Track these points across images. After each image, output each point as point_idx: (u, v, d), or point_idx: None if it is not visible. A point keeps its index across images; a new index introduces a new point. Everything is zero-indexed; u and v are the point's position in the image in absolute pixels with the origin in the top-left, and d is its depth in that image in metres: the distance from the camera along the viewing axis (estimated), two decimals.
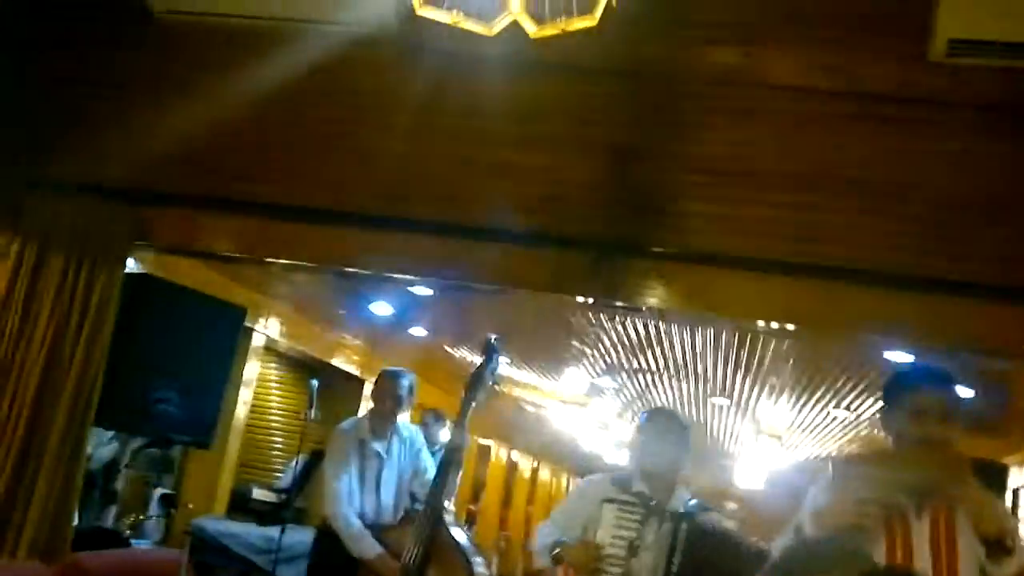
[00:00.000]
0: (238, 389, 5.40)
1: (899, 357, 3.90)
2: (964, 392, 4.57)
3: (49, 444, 3.08)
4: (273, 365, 6.83)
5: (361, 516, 3.55)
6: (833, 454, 8.12)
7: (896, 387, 2.26)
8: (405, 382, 3.73)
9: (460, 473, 3.33)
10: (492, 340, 3.08)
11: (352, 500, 3.58)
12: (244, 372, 5.49)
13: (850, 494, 2.15)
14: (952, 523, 2.03)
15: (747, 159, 2.93)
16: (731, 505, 16.01)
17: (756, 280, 2.95)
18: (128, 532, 4.25)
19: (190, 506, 5.01)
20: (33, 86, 3.36)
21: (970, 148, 2.81)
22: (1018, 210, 2.76)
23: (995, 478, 5.21)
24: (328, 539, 3.58)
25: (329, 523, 3.57)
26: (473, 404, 3.20)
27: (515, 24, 1.54)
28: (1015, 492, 5.95)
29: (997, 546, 1.94)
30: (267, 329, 5.71)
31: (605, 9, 1.60)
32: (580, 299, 3.23)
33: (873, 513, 2.08)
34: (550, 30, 1.55)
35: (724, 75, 2.99)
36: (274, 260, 3.53)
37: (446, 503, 3.10)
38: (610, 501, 2.65)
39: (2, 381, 3.08)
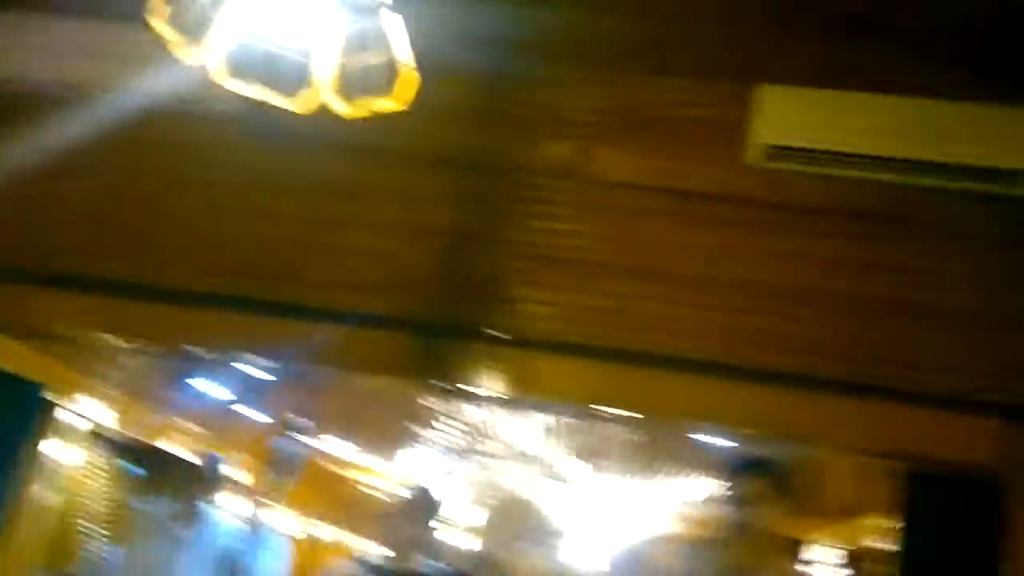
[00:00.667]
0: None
1: (722, 443, 4.07)
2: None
3: None
4: (100, 451, 6.33)
5: None
6: (670, 532, 8.30)
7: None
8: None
9: None
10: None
11: None
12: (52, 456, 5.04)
13: None
14: None
15: (580, 249, 3.05)
16: None
17: (585, 366, 3.03)
18: None
19: None
20: None
21: (788, 247, 3.02)
22: (827, 302, 2.97)
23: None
24: None
25: None
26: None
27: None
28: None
29: None
30: (91, 412, 5.30)
31: (429, 96, 1.64)
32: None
33: None
34: (360, 111, 1.56)
35: (560, 168, 3.12)
36: (99, 338, 3.33)
37: None
38: None
39: None
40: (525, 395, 3.05)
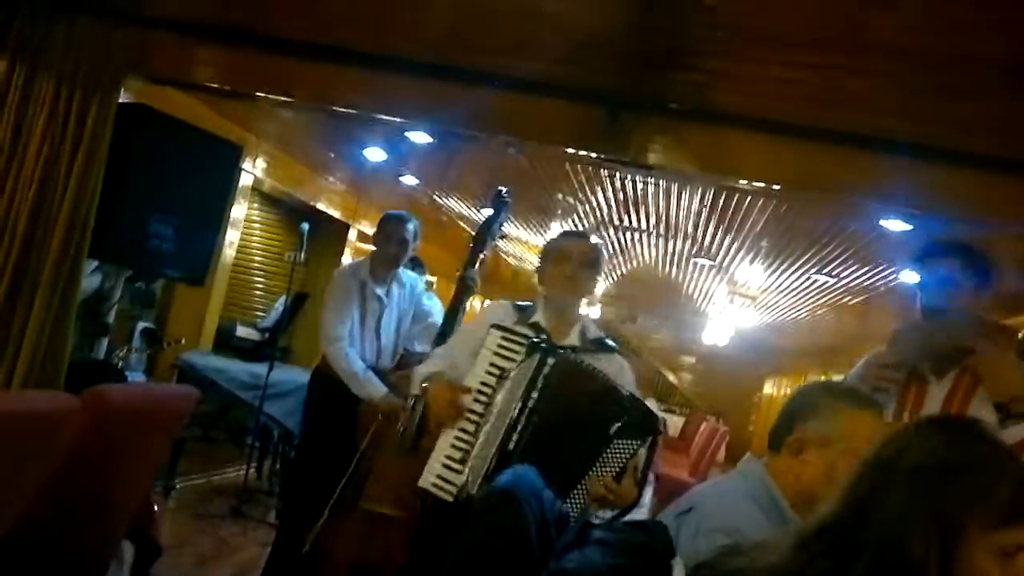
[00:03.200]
0: (225, 229, 5.33)
1: (894, 226, 3.94)
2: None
3: (43, 273, 3.03)
4: (256, 206, 6.75)
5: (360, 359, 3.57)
6: (804, 318, 8.35)
7: (924, 255, 2.36)
8: (411, 226, 3.66)
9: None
10: (502, 193, 2.94)
11: (353, 342, 3.59)
12: (231, 212, 5.40)
13: (877, 359, 2.26)
14: (970, 388, 2.12)
15: (769, 18, 2.83)
16: (689, 359, 16.60)
17: (769, 142, 2.91)
18: (120, 364, 4.29)
19: (182, 341, 5.04)
20: None
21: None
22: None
23: None
24: (325, 380, 3.57)
25: (328, 363, 3.55)
26: (481, 254, 3.14)
27: None
28: None
29: (1007, 410, 2.02)
30: (254, 169, 5.58)
31: None
32: (583, 153, 3.17)
33: (890, 376, 2.18)
34: None
35: None
36: (268, 95, 3.40)
37: None
38: (498, 328, 2.37)
39: None
40: (709, 172, 2.98)
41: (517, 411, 2.23)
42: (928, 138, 2.82)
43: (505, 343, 2.32)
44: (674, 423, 12.94)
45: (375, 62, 3.23)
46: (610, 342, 2.51)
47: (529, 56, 2.97)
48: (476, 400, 2.28)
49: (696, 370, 16.37)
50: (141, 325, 5.16)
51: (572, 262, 2.45)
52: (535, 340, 2.33)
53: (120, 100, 3.15)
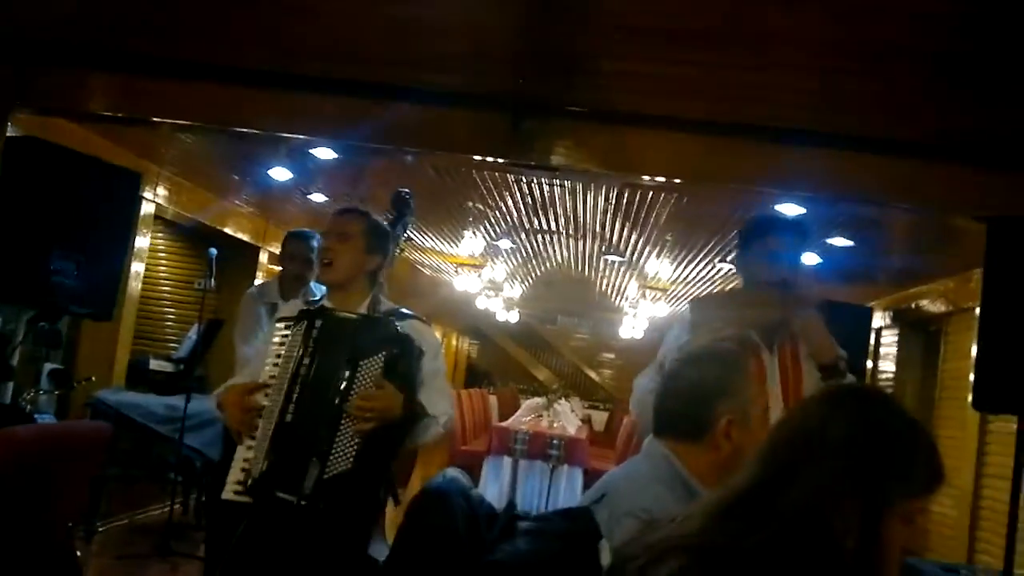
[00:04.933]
0: (130, 260, 5.18)
1: (789, 210, 4.13)
2: (843, 242, 4.91)
3: None
4: (161, 234, 6.58)
5: None
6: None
7: (752, 232, 2.39)
8: (314, 243, 3.64)
9: None
10: (403, 194, 2.77)
11: None
12: (135, 242, 5.26)
13: (708, 332, 2.33)
14: (797, 355, 2.25)
15: (663, 17, 2.93)
16: (609, 355, 16.88)
17: (668, 139, 3.03)
18: (29, 407, 4.13)
19: (92, 379, 4.87)
20: None
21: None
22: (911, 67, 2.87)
23: (861, 320, 5.72)
24: None
25: None
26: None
27: None
28: (877, 331, 6.53)
29: (831, 370, 2.20)
30: (156, 196, 5.45)
31: None
32: (490, 159, 3.23)
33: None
34: None
35: None
36: (166, 120, 3.36)
37: None
38: (280, 319, 2.32)
39: None
40: (612, 170, 3.08)
41: (289, 381, 2.16)
42: (822, 124, 2.96)
43: (282, 326, 2.28)
44: (599, 418, 13.14)
45: (277, 81, 3.22)
46: (405, 311, 2.38)
47: (431, 68, 3.02)
48: (266, 394, 2.18)
49: (616, 365, 16.62)
50: (48, 366, 4.96)
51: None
52: (304, 307, 2.29)
53: (8, 134, 3.07)
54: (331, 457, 2.08)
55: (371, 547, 2.18)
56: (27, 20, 2.88)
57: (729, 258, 6.13)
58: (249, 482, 2.12)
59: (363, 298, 2.33)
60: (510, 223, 5.99)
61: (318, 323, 2.20)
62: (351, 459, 2.08)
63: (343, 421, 2.09)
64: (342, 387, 2.12)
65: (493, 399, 11.40)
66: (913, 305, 5.98)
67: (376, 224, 2.40)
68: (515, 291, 10.78)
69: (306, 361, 2.17)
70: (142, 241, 5.50)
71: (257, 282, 6.93)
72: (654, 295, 8.72)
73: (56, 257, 3.34)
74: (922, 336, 6.23)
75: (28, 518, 2.04)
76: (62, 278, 3.38)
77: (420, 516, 1.56)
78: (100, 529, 4.67)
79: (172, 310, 6.90)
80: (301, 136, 3.41)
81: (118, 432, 4.96)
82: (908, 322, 6.24)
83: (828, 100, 2.92)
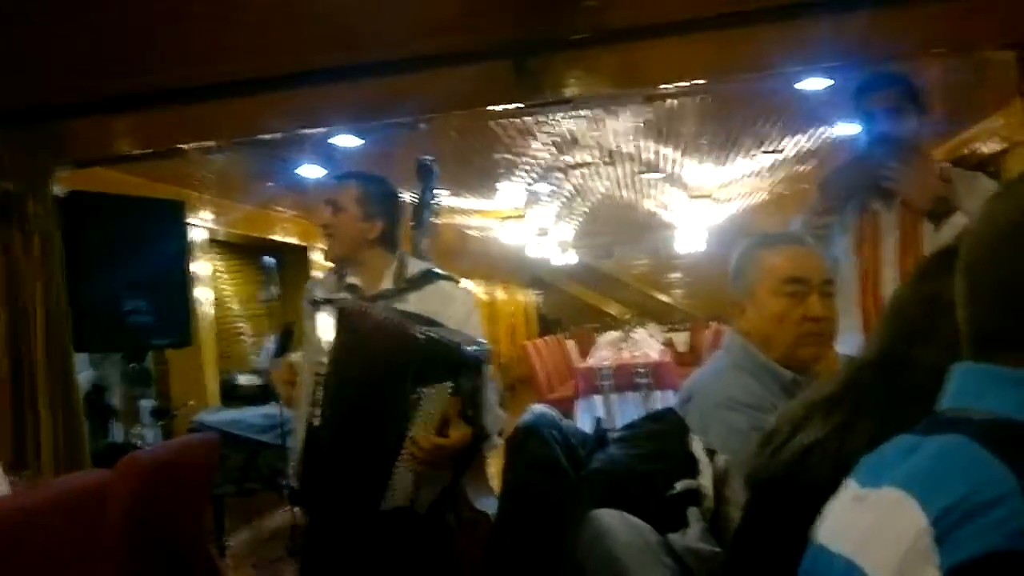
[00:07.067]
0: (192, 283, 5.38)
1: (811, 85, 4.05)
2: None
3: (37, 379, 3.10)
4: (219, 257, 6.79)
5: None
6: (766, 199, 8.49)
7: (855, 98, 2.47)
8: None
9: None
10: (426, 162, 2.72)
11: None
12: (196, 268, 5.45)
13: (812, 208, 2.38)
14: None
15: None
16: (675, 275, 16.76)
17: (679, 44, 2.98)
18: (139, 443, 4.37)
19: (191, 403, 5.11)
20: None
21: None
22: None
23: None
24: None
25: None
26: (424, 231, 2.82)
27: None
28: None
29: (937, 216, 2.23)
30: (204, 221, 5.63)
31: None
32: (502, 107, 3.23)
33: (822, 222, 2.31)
34: None
35: None
36: (193, 144, 3.45)
37: None
38: (311, 303, 2.26)
39: None
40: (629, 88, 3.06)
41: (312, 383, 2.05)
42: None
43: (312, 309, 2.25)
44: (681, 339, 13.06)
45: (287, 82, 3.28)
46: (437, 270, 2.24)
47: (425, 31, 3.03)
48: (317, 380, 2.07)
49: (684, 283, 16.52)
50: (144, 403, 5.22)
51: None
52: (315, 299, 2.22)
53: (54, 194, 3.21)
54: (387, 494, 1.96)
55: (479, 501, 2.11)
56: (42, 79, 3.00)
57: (770, 148, 6.04)
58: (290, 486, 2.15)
59: (385, 266, 2.20)
60: (544, 166, 6.00)
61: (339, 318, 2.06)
62: (409, 496, 1.96)
63: (399, 455, 1.92)
64: (396, 417, 1.91)
65: (570, 343, 11.48)
66: (966, 152, 5.83)
67: (368, 188, 2.26)
68: (565, 232, 10.79)
69: (324, 362, 2.03)
70: (202, 267, 5.69)
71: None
72: (703, 203, 8.63)
73: (126, 298, 3.51)
74: None
75: (171, 534, 2.20)
76: (137, 317, 3.56)
77: (519, 452, 1.64)
78: (229, 544, 4.91)
79: (243, 324, 7.13)
80: (322, 129, 3.47)
81: (225, 450, 5.21)
82: (968, 169, 6.07)
83: None
